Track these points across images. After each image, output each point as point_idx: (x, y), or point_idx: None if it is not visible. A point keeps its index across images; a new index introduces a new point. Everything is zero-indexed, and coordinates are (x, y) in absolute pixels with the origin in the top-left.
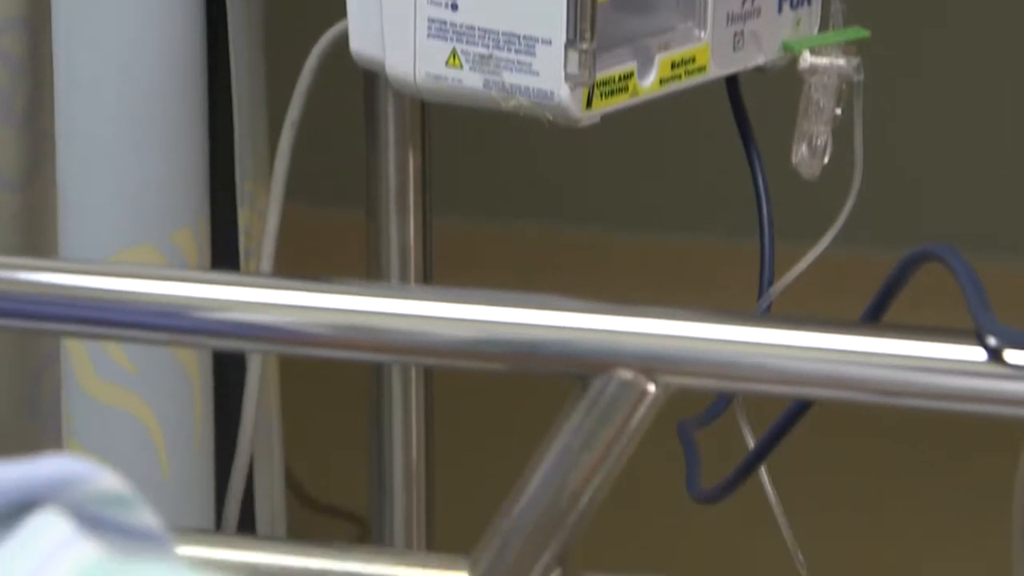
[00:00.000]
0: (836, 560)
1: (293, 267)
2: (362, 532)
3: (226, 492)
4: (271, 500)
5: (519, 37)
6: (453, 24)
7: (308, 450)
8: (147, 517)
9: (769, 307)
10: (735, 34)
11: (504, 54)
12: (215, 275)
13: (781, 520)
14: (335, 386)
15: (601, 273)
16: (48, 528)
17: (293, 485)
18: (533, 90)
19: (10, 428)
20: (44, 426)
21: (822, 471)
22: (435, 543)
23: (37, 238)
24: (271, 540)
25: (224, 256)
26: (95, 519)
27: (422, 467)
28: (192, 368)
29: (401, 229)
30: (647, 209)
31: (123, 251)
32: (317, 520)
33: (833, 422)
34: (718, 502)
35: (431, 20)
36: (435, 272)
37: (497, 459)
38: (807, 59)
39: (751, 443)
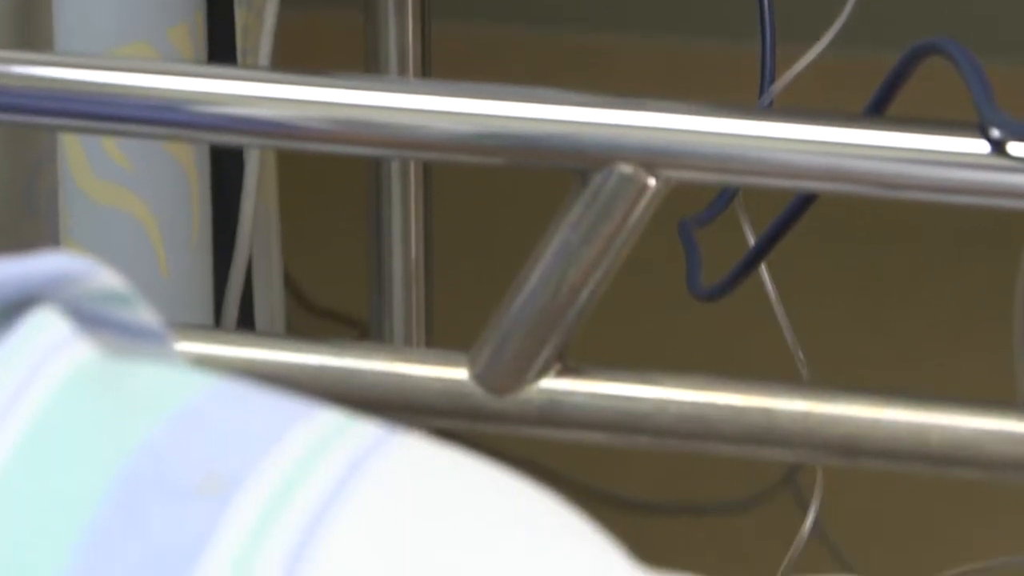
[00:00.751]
0: (836, 357)
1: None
2: (362, 336)
3: (224, 292)
4: (270, 301)
5: None
6: None
7: (307, 253)
8: (146, 314)
9: (771, 104)
10: None
11: None
12: (213, 69)
13: (781, 317)
14: (333, 189)
15: (602, 77)
16: (45, 326)
17: (292, 288)
18: None
19: (7, 227)
20: (42, 225)
21: (823, 270)
22: (434, 343)
23: (32, 37)
24: (270, 336)
25: (221, 54)
26: (93, 317)
27: (421, 266)
28: (189, 165)
29: (399, 31)
30: (648, 11)
31: (118, 48)
32: (316, 323)
33: (834, 225)
34: (719, 299)
35: None
36: (433, 76)
37: (496, 257)
38: None
39: (751, 240)
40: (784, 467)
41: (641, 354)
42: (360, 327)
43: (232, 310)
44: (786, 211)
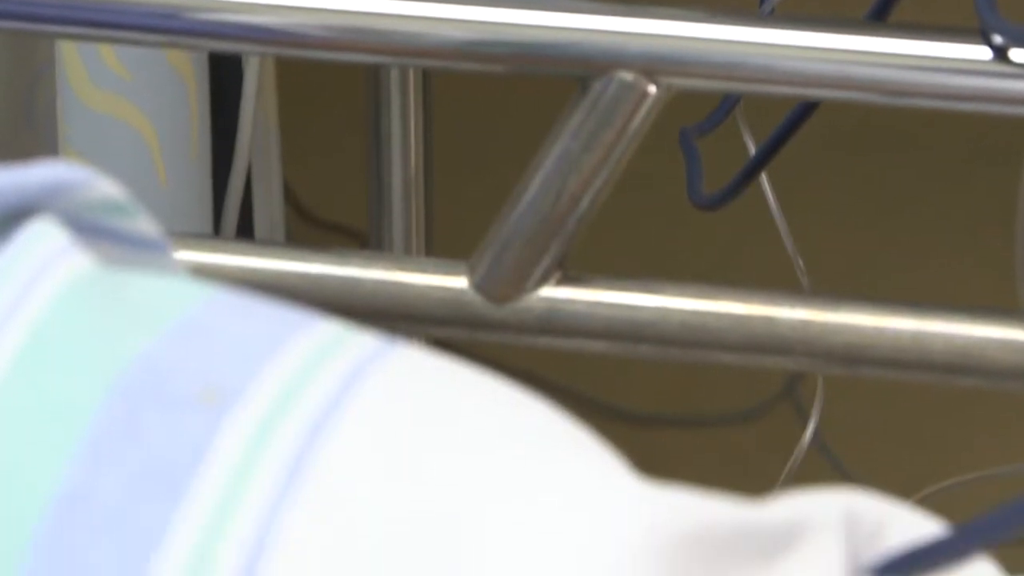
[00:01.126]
0: (837, 268)
1: None
2: (361, 247)
3: (224, 203)
4: (269, 212)
5: None
6: None
7: (306, 165)
8: (145, 224)
9: (772, 11)
10: None
11: None
12: None
13: (781, 226)
14: (332, 100)
15: None
16: (43, 236)
17: (292, 200)
18: None
19: (6, 138)
20: (40, 136)
21: (825, 181)
22: (434, 254)
23: None
24: (270, 245)
25: None
26: (92, 226)
27: (421, 177)
28: (188, 75)
29: None
30: None
31: None
32: (316, 235)
33: (836, 135)
34: (719, 208)
35: None
36: None
37: (496, 166)
38: None
39: (752, 149)
40: (784, 379)
41: (642, 264)
42: (360, 238)
43: (231, 220)
44: (787, 119)
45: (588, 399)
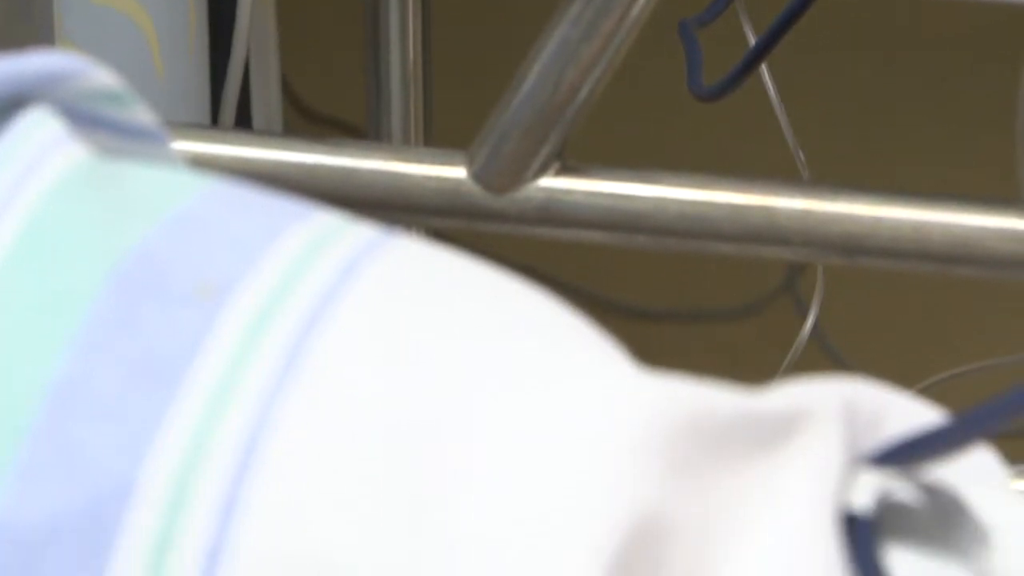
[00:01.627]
0: (836, 161)
1: None
2: None
3: (221, 97)
4: (267, 106)
5: None
6: None
7: (305, 59)
8: (142, 114)
9: None
10: None
11: None
12: None
13: (782, 119)
14: None
15: None
16: (38, 127)
17: (289, 94)
18: None
19: (1, 31)
20: (37, 28)
21: (825, 74)
22: (433, 146)
23: None
24: (267, 135)
25: None
26: (88, 116)
27: (419, 70)
28: None
29: None
30: None
31: None
32: (314, 130)
33: (838, 30)
34: (719, 99)
35: None
36: None
37: (496, 59)
38: None
39: (752, 41)
40: (783, 273)
41: (641, 157)
42: (358, 134)
43: (229, 112)
44: (787, 9)
45: (587, 293)
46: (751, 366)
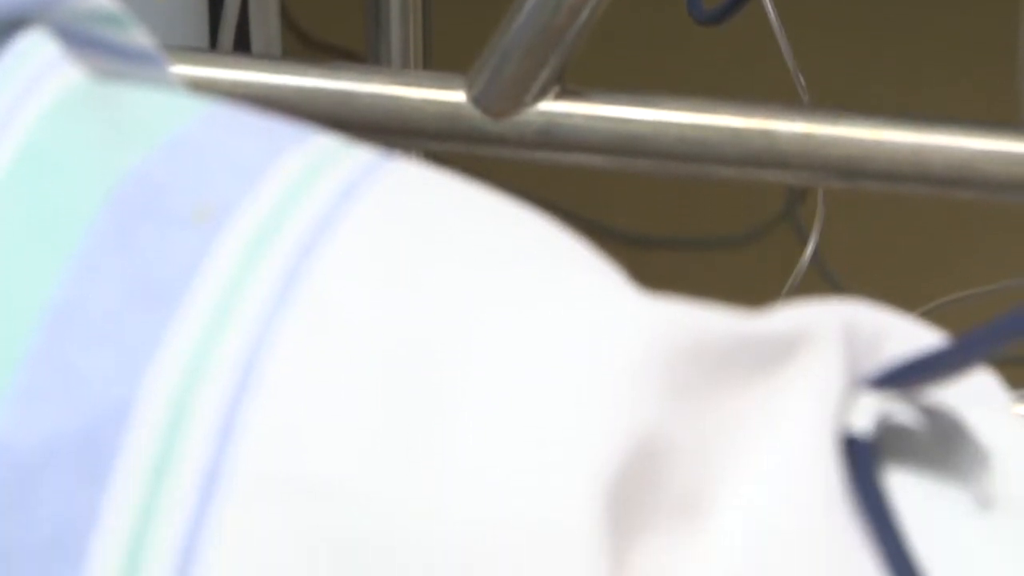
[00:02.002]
0: (837, 86)
1: None
2: None
3: (220, 23)
4: (266, 32)
5: None
6: None
7: None
8: (139, 36)
9: None
10: None
11: None
12: None
13: (783, 43)
14: None
15: None
16: (33, 50)
17: (288, 21)
18: None
19: None
20: None
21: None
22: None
23: None
24: (266, 59)
25: None
26: (85, 39)
27: None
28: None
29: None
30: None
31: None
32: (313, 58)
33: None
34: (720, 23)
35: None
36: None
37: None
38: None
39: None
40: (784, 200)
41: (641, 81)
42: (357, 60)
43: (228, 36)
44: None
45: (587, 220)
46: (752, 293)
